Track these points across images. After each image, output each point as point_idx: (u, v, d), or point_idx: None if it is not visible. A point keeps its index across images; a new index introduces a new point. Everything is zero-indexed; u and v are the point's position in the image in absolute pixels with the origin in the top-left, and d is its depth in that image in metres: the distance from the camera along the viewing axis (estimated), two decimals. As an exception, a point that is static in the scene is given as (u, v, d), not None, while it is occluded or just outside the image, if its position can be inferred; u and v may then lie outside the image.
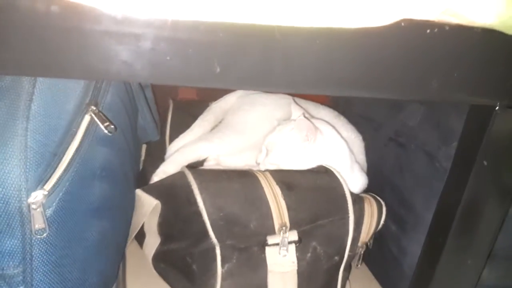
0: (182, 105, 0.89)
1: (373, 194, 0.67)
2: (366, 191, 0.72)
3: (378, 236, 0.68)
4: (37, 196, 0.38)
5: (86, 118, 0.44)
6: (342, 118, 0.81)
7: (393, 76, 0.31)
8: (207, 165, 0.76)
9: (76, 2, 0.22)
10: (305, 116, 0.65)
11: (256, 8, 0.23)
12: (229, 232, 0.57)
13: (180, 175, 0.60)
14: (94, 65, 0.26)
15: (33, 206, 0.38)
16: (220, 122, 0.84)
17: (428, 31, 0.30)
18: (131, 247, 0.74)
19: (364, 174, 0.73)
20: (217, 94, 0.91)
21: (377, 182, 0.74)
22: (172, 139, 0.81)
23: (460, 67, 0.33)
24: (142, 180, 0.76)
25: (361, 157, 0.77)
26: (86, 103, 0.45)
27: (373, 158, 0.78)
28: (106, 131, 0.46)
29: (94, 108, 0.45)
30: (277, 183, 0.59)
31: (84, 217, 0.45)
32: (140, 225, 0.68)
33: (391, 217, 0.68)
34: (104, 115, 0.46)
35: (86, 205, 0.45)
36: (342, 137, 0.68)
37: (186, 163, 0.73)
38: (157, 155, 0.79)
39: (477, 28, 0.32)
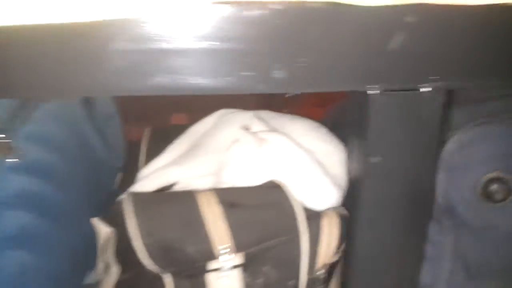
0: (161, 131, 0.89)
1: (342, 208, 0.60)
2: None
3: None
4: None
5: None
6: (322, 129, 0.76)
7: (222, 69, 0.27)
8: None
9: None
10: (245, 129, 0.60)
11: None
12: (166, 259, 0.54)
13: (120, 200, 0.58)
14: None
15: None
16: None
17: (245, 12, 0.26)
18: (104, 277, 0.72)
19: (337, 188, 0.66)
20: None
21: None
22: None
23: (304, 52, 0.29)
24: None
25: (339, 169, 0.71)
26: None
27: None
28: (8, 159, 0.45)
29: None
30: (219, 203, 0.55)
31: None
32: (101, 254, 0.67)
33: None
34: (10, 144, 0.46)
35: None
36: (301, 146, 0.63)
37: (153, 189, 0.71)
38: (130, 183, 0.78)
39: (318, 2, 0.28)
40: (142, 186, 0.73)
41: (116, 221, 0.61)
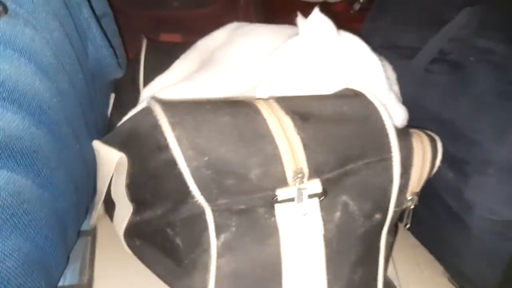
0: (160, 46, 0.71)
1: (421, 129, 0.48)
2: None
3: (427, 188, 0.49)
4: None
5: None
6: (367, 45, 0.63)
7: None
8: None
9: None
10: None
11: None
12: (220, 186, 0.39)
13: (145, 111, 0.42)
14: None
15: None
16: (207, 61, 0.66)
17: None
18: (103, 221, 0.56)
19: (403, 106, 0.54)
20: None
21: (419, 119, 0.55)
22: (147, 84, 0.63)
23: None
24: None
25: (395, 88, 0.58)
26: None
27: (409, 92, 0.59)
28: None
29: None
30: (287, 113, 0.40)
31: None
32: (104, 190, 0.51)
33: (445, 161, 0.49)
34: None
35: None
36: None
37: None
38: (129, 105, 0.61)
39: None
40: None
41: (133, 139, 0.44)
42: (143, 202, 0.47)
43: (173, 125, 0.38)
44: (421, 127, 0.52)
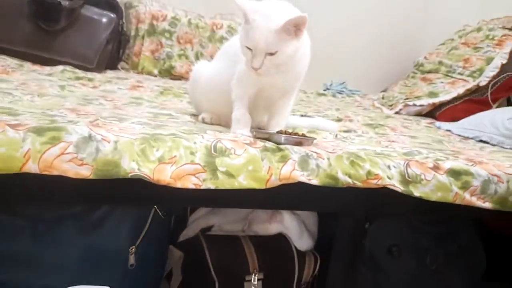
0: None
1: (314, 251, 1.10)
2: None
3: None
4: (133, 248, 0.83)
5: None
6: None
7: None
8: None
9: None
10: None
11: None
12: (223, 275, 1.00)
13: (197, 238, 1.04)
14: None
15: (130, 251, 0.82)
16: None
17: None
18: None
19: (311, 239, 1.15)
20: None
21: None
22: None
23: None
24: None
25: (314, 228, 1.20)
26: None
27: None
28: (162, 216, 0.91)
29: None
30: (252, 244, 1.02)
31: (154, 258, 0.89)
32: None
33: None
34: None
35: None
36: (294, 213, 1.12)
37: (199, 229, 1.17)
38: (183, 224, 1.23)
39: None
40: (192, 227, 1.19)
41: (190, 250, 1.06)
42: (187, 277, 1.07)
43: (209, 250, 1.00)
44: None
